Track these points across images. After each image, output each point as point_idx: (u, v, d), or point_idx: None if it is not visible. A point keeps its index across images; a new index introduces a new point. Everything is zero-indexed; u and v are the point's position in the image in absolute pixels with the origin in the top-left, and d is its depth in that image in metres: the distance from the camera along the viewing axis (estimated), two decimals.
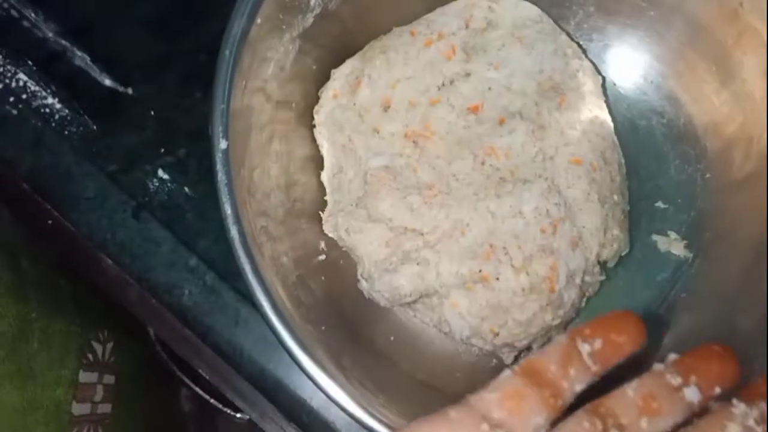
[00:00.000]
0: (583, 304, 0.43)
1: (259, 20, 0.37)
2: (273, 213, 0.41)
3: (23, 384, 0.41)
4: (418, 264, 0.39)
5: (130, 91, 0.51)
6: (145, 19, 0.51)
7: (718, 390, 0.27)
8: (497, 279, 0.39)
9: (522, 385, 0.25)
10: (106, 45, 0.51)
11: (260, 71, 0.39)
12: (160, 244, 0.45)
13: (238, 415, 0.57)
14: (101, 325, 0.51)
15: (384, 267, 0.40)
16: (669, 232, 0.46)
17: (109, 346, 0.52)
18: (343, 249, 0.43)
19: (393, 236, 0.40)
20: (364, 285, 0.42)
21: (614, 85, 0.48)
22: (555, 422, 0.25)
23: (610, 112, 0.46)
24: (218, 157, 0.35)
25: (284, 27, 0.39)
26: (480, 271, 0.39)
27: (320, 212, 0.44)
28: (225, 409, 0.58)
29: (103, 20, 0.52)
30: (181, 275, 0.44)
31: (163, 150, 0.49)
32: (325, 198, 0.44)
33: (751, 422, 0.26)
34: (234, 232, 0.34)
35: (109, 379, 0.51)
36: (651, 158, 0.47)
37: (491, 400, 0.24)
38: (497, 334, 0.40)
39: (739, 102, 0.44)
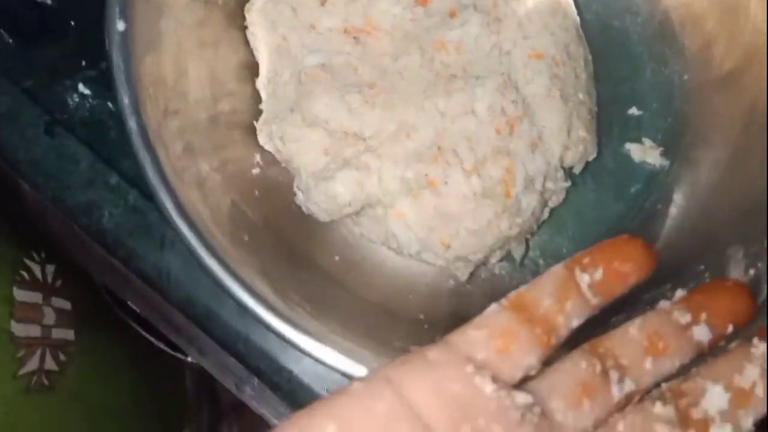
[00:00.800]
0: (546, 215, 0.39)
1: None
2: (197, 124, 0.37)
3: None
4: (357, 170, 0.35)
5: (49, 1, 0.46)
6: None
7: (730, 328, 0.24)
8: (445, 183, 0.34)
9: (511, 321, 0.22)
10: None
11: None
12: (78, 161, 0.41)
13: (189, 358, 0.53)
14: (36, 245, 0.47)
15: (321, 175, 0.36)
16: (644, 140, 0.42)
17: (51, 268, 0.47)
18: (283, 165, 0.39)
19: (332, 143, 0.36)
20: (300, 198, 0.37)
21: None
22: (548, 361, 0.23)
23: (580, 12, 0.41)
24: (114, 40, 0.30)
25: None
26: (426, 175, 0.35)
27: (255, 123, 0.39)
28: (175, 354, 0.54)
29: None
30: (100, 195, 0.40)
31: (84, 63, 0.44)
32: (261, 107, 0.39)
33: None
34: (133, 123, 0.30)
35: (61, 303, 0.47)
36: (624, 61, 0.43)
37: (476, 338, 0.21)
38: (449, 247, 0.35)
39: None
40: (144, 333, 0.49)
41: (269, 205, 0.38)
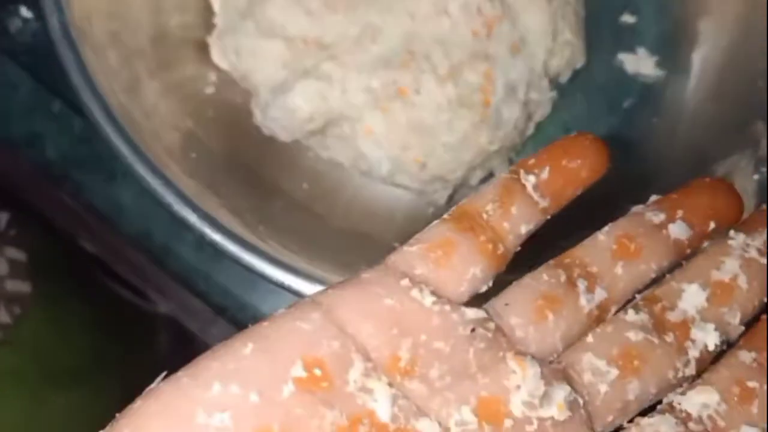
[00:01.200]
0: (531, 129, 0.35)
1: None
2: (141, 41, 0.34)
3: None
4: (317, 80, 0.31)
5: None
6: None
7: (712, 225, 0.22)
8: (417, 92, 0.31)
9: (450, 232, 0.19)
10: None
11: None
12: (17, 87, 0.37)
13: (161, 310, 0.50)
14: None
15: (279, 89, 0.32)
16: (637, 49, 0.38)
17: (4, 216, 0.44)
18: (239, 86, 0.36)
19: (290, 53, 0.32)
20: (258, 117, 0.34)
21: None
22: (510, 276, 0.20)
23: None
24: None
25: None
26: (395, 83, 0.31)
27: (207, 38, 0.36)
28: (138, 301, 0.51)
29: None
30: (43, 124, 0.37)
31: None
32: (215, 21, 0.36)
33: (753, 253, 0.21)
34: (54, 21, 0.26)
35: (15, 254, 0.44)
36: None
37: (412, 253, 0.19)
38: (424, 165, 0.32)
39: None
40: (110, 283, 0.46)
41: (228, 130, 0.35)
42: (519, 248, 0.20)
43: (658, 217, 0.21)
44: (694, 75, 0.36)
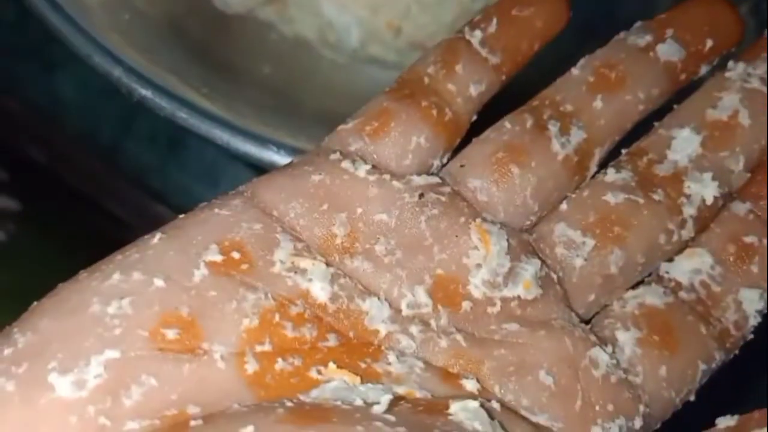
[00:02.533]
0: None
1: None
2: None
3: None
4: None
5: None
6: None
7: (709, 43, 0.18)
8: None
9: (388, 101, 0.17)
10: None
11: None
12: None
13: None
14: None
15: None
16: None
17: None
18: None
19: None
20: None
21: None
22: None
23: None
24: None
25: None
26: None
27: None
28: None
29: None
30: None
31: None
32: None
33: (755, 83, 0.18)
34: None
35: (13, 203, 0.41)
36: None
37: (346, 129, 0.17)
38: (399, 30, 0.28)
39: None
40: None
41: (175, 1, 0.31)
42: (476, 116, 0.18)
43: (644, 39, 0.18)
44: None
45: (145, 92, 0.25)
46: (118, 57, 0.26)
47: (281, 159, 0.25)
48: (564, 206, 0.17)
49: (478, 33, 0.18)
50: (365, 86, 0.33)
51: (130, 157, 0.32)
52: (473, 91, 0.17)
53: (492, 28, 0.18)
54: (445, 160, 0.17)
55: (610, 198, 0.17)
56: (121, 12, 0.30)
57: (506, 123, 0.17)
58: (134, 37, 0.29)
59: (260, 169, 0.26)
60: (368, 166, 0.16)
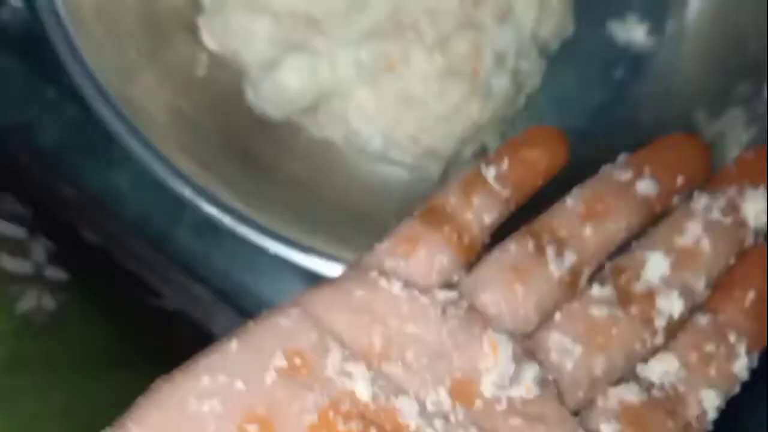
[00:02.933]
0: (522, 102, 0.35)
1: None
2: (133, 27, 0.33)
3: None
4: (306, 54, 0.31)
5: None
6: None
7: (680, 180, 0.22)
8: (406, 64, 0.31)
9: (416, 226, 0.21)
10: None
11: None
12: (9, 76, 0.37)
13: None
14: None
15: (269, 66, 0.32)
16: (627, 16, 0.38)
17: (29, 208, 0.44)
18: (231, 67, 0.36)
19: (279, 29, 0.33)
20: (250, 95, 0.34)
21: None
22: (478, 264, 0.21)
23: None
24: None
25: None
26: (384, 54, 0.31)
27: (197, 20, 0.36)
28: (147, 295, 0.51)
29: None
30: (37, 110, 0.37)
31: None
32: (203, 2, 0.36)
33: (715, 214, 0.21)
34: (47, 7, 0.27)
35: (47, 242, 0.44)
36: None
37: (381, 249, 0.20)
38: (416, 139, 0.32)
39: None
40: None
41: (220, 109, 0.35)
42: (488, 240, 0.21)
43: (626, 175, 0.21)
44: (685, 41, 0.36)
45: (186, 192, 0.30)
46: (166, 159, 0.30)
47: (302, 257, 0.29)
48: (557, 317, 0.20)
49: (492, 169, 0.21)
50: (382, 181, 0.37)
51: (177, 244, 0.36)
52: (487, 219, 0.21)
53: (504, 166, 0.21)
54: (462, 274, 0.21)
55: (595, 311, 0.20)
56: (170, 116, 0.34)
57: (512, 245, 0.21)
58: (180, 137, 0.34)
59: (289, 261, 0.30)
60: (401, 283, 0.19)
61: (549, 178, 0.22)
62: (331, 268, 0.29)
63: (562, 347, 0.20)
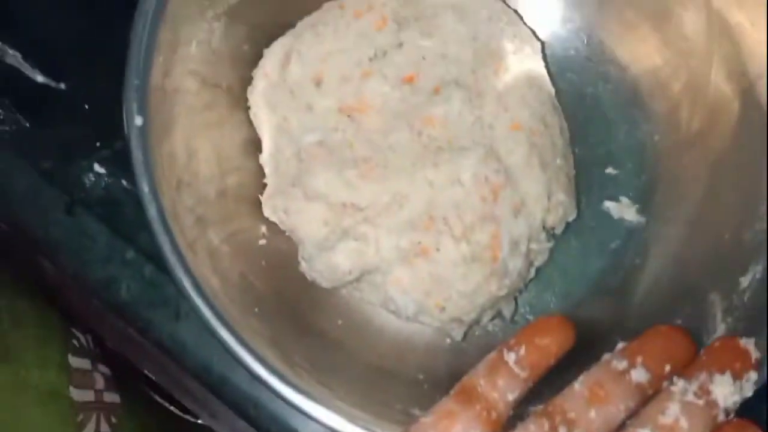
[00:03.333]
0: (533, 274, 0.41)
1: None
2: (207, 200, 0.40)
3: None
4: (355, 240, 0.38)
5: (62, 86, 0.49)
6: (79, 4, 0.50)
7: (668, 368, 0.26)
8: (437, 250, 0.37)
9: (453, 405, 0.25)
10: (39, 40, 0.50)
11: (183, 51, 0.38)
12: (96, 238, 0.44)
13: (199, 421, 0.55)
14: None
15: (322, 246, 0.39)
16: (621, 198, 0.45)
17: (89, 337, 0.49)
18: (286, 234, 0.42)
19: (331, 214, 0.39)
20: (304, 266, 0.40)
21: (557, 52, 0.47)
22: None
23: (554, 81, 0.45)
24: (133, 134, 0.33)
25: (206, 3, 0.38)
26: (419, 243, 0.37)
27: (260, 196, 0.42)
28: (185, 416, 0.56)
29: (35, 12, 0.50)
30: (118, 269, 0.43)
31: (98, 144, 0.47)
32: (265, 181, 0.43)
33: (690, 397, 0.25)
34: (153, 211, 0.33)
35: (104, 369, 0.49)
36: (600, 124, 0.46)
37: (426, 423, 0.25)
38: (443, 309, 0.38)
39: (683, 61, 0.43)
40: (159, 399, 0.51)
41: (275, 274, 0.41)
42: (511, 412, 0.26)
43: (622, 365, 0.26)
44: (671, 223, 0.42)
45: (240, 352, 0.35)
46: (225, 320, 0.35)
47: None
48: None
49: (512, 355, 0.26)
50: (408, 336, 0.43)
51: (233, 388, 0.41)
52: (510, 397, 0.26)
53: (522, 352, 0.26)
54: None
55: None
56: (232, 278, 0.40)
57: (531, 426, 0.25)
58: (238, 298, 0.39)
59: None
60: None
61: (559, 357, 0.27)
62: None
63: None
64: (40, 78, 0.49)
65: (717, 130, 0.41)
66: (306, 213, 0.39)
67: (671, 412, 0.25)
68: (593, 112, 0.46)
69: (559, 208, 0.40)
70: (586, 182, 0.45)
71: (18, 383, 0.40)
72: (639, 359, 0.26)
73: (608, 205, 0.45)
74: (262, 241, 0.42)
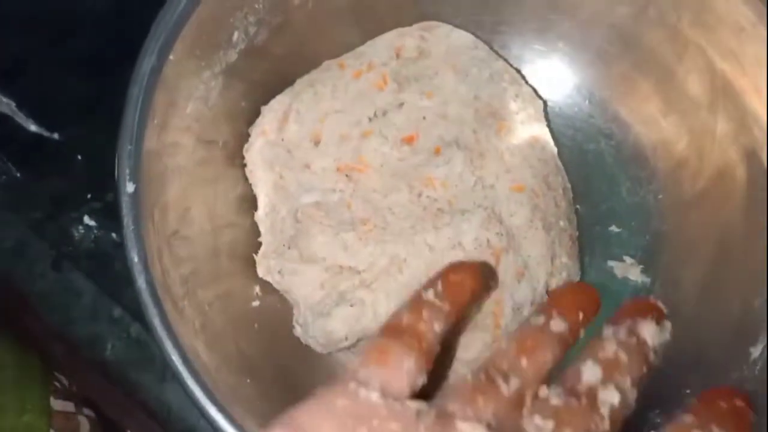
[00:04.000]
0: None
1: (172, 57, 0.35)
2: (199, 258, 0.39)
3: None
4: (352, 305, 0.36)
5: (56, 136, 0.48)
6: (76, 57, 0.49)
7: (581, 315, 0.28)
8: None
9: (382, 340, 0.25)
10: (34, 89, 0.49)
11: (179, 110, 0.37)
12: (81, 294, 0.42)
13: None
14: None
15: (318, 310, 0.37)
16: (625, 257, 0.44)
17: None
18: (280, 293, 0.41)
19: (328, 277, 0.38)
20: (298, 331, 0.39)
21: (559, 109, 0.46)
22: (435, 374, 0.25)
23: (556, 138, 0.44)
24: (124, 201, 0.32)
25: (203, 64, 0.37)
26: None
27: (254, 255, 0.41)
28: None
29: (31, 62, 0.50)
30: (104, 327, 0.42)
31: (90, 196, 0.46)
32: (260, 240, 0.41)
33: (622, 336, 0.27)
34: (142, 281, 0.32)
35: (89, 412, 0.47)
36: (602, 182, 0.46)
37: (355, 363, 0.25)
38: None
39: (686, 120, 0.43)
40: None
41: (268, 337, 0.39)
42: (439, 348, 0.26)
43: (541, 319, 0.27)
44: (679, 285, 0.41)
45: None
46: (207, 388, 0.34)
47: None
48: (528, 403, 0.25)
49: (430, 292, 0.27)
50: None
51: None
52: (437, 328, 0.26)
53: (439, 287, 0.27)
54: (425, 379, 0.24)
55: (555, 401, 0.25)
56: (218, 339, 0.38)
57: (468, 377, 0.25)
58: (224, 361, 0.37)
59: None
60: (377, 393, 0.22)
61: (478, 297, 0.28)
62: None
63: (537, 426, 0.24)
64: (33, 127, 0.48)
65: (723, 190, 0.41)
66: (302, 275, 0.38)
67: (609, 348, 0.26)
68: (595, 169, 0.46)
69: (563, 272, 0.39)
70: (590, 240, 0.44)
71: None
72: (554, 312, 0.28)
73: (612, 264, 0.44)
74: (255, 303, 0.40)
